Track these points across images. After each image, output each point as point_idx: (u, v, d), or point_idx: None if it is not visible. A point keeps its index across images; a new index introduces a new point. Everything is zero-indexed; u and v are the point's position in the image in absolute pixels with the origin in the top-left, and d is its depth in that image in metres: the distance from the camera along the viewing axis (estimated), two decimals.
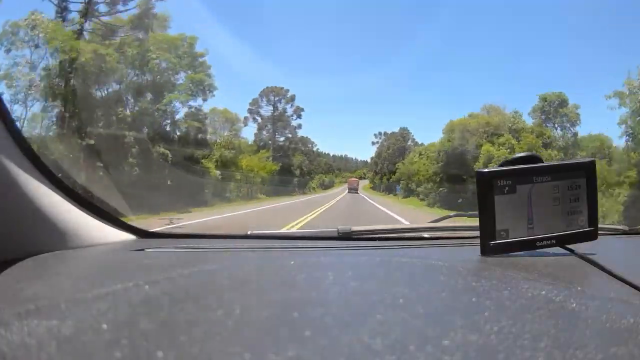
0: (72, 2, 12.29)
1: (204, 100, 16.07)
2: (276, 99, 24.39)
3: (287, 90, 24.33)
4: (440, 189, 18.41)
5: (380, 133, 28.47)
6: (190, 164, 14.23)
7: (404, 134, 27.46)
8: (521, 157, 0.85)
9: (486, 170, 0.81)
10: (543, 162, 0.85)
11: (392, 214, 11.85)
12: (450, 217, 1.51)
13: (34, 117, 11.33)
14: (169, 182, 12.58)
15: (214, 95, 16.22)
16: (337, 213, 12.31)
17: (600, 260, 0.80)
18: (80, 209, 0.94)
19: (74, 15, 12.33)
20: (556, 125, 18.08)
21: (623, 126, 14.23)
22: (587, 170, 0.85)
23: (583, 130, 18.00)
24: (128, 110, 13.45)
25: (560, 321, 0.39)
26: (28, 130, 10.78)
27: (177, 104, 15.16)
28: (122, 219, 1.12)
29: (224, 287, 0.49)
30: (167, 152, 13.23)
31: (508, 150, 16.10)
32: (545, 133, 17.42)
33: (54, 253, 0.84)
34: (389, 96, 34.93)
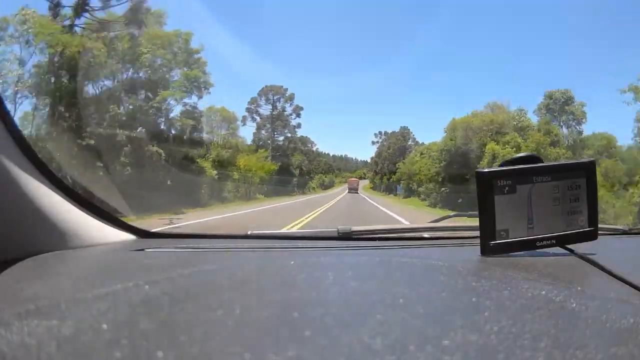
0: None
1: (199, 97, 15.73)
2: (275, 97, 24.10)
3: (286, 89, 24.07)
4: (443, 189, 18.03)
5: (380, 132, 28.31)
6: (185, 163, 13.89)
7: (404, 133, 27.25)
8: (521, 157, 0.85)
9: (486, 170, 0.81)
10: (543, 162, 0.85)
11: (392, 214, 11.75)
12: (450, 217, 1.51)
13: (25, 115, 11.19)
14: (161, 182, 12.14)
15: (209, 93, 15.89)
16: (337, 213, 12.29)
17: (600, 260, 0.80)
18: (80, 209, 0.94)
19: (67, 11, 11.98)
20: (561, 123, 17.73)
21: (637, 124, 14.03)
22: (587, 171, 0.85)
23: (586, 129, 17.72)
24: (121, 108, 12.97)
25: (560, 321, 0.39)
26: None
27: (172, 102, 14.80)
28: (122, 218, 1.12)
29: (224, 287, 0.49)
30: (161, 151, 12.83)
31: (514, 149, 15.70)
32: (553, 131, 17.00)
33: (54, 253, 0.84)
34: (389, 96, 35.00)
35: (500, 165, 0.86)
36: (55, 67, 11.23)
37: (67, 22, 11.83)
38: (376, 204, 17.12)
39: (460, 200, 15.53)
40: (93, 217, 0.98)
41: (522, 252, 0.83)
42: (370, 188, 29.70)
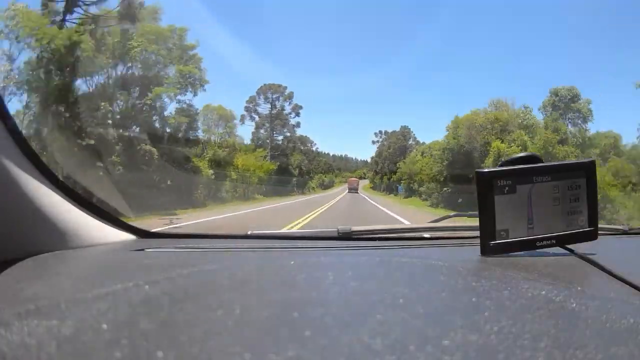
0: None
1: (194, 94, 15.16)
2: (274, 96, 23.84)
3: (285, 88, 23.75)
4: (445, 188, 17.61)
5: (380, 132, 28.14)
6: (179, 163, 13.44)
7: (405, 132, 27.05)
8: (521, 157, 0.85)
9: (486, 170, 0.81)
10: (543, 162, 0.85)
11: (393, 214, 11.65)
12: (450, 217, 1.51)
13: (17, 113, 10.67)
14: (154, 182, 11.67)
15: (204, 90, 15.36)
16: (337, 213, 12.27)
17: (600, 260, 0.80)
18: (80, 209, 0.94)
19: (60, 6, 11.59)
20: (567, 121, 17.17)
21: None
22: (587, 171, 0.85)
23: (591, 128, 17.16)
24: (113, 106, 12.46)
25: (560, 321, 0.39)
26: None
27: (166, 99, 14.20)
28: (122, 218, 1.12)
29: (224, 287, 0.49)
30: (154, 149, 12.30)
31: (519, 147, 15.20)
32: (561, 129, 16.44)
33: (54, 253, 0.84)
34: (389, 96, 35.05)
35: (500, 165, 0.86)
36: (44, 63, 10.83)
37: (59, 18, 11.50)
38: (377, 204, 16.95)
39: (460, 200, 15.32)
40: (93, 217, 0.98)
41: (522, 252, 0.83)
42: (371, 188, 29.65)
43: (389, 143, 27.55)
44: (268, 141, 23.58)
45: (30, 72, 10.98)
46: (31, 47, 11.01)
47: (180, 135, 14.84)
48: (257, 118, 23.76)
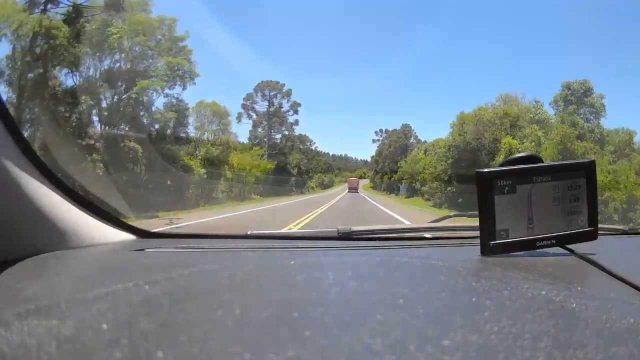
0: None
1: (183, 88, 14.19)
2: (272, 93, 23.20)
3: (283, 85, 23.11)
4: (449, 188, 16.81)
5: (381, 130, 27.73)
6: (168, 161, 12.55)
7: (405, 131, 26.57)
8: (521, 157, 0.85)
9: (486, 170, 0.81)
10: (543, 162, 0.85)
11: (394, 214, 11.50)
12: (450, 217, 1.51)
13: None
14: (140, 182, 10.90)
15: (194, 83, 14.41)
16: (337, 213, 12.24)
17: (600, 260, 0.80)
18: (80, 209, 0.94)
19: None
20: (580, 116, 16.09)
21: None
22: (587, 171, 0.85)
23: (604, 123, 16.16)
24: (95, 100, 11.59)
25: (560, 321, 0.39)
26: None
27: (153, 93, 13.29)
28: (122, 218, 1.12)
29: (224, 287, 0.49)
30: (137, 147, 11.51)
31: (533, 143, 14.46)
32: (578, 123, 15.32)
33: (54, 253, 0.84)
34: (389, 96, 35.05)
35: (500, 165, 0.86)
36: (17, 53, 10.07)
37: (40, 8, 10.62)
38: (378, 205, 16.60)
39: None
40: (93, 217, 0.98)
41: (522, 252, 0.83)
42: (371, 187, 29.57)
43: (390, 141, 27.17)
44: (265, 140, 23.02)
45: (5, 64, 10.34)
46: (8, 38, 10.31)
47: (168, 131, 14.06)
48: (254, 116, 23.19)
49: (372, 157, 29.50)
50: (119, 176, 10.14)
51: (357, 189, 27.61)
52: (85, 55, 11.86)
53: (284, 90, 23.28)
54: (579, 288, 0.63)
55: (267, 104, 23.27)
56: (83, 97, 11.28)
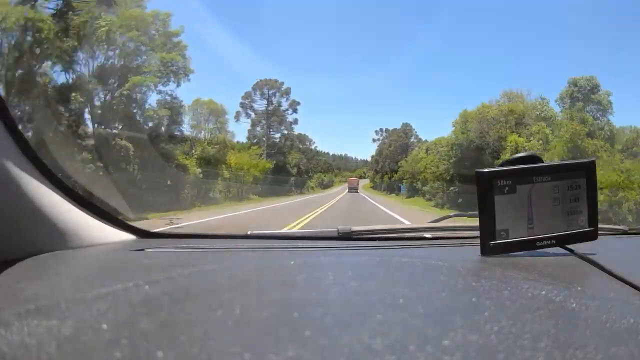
0: None
1: (177, 84, 13.68)
2: (270, 92, 22.70)
3: (282, 83, 22.66)
4: (451, 187, 16.33)
5: (381, 130, 27.26)
6: (162, 160, 12.12)
7: (406, 130, 26.14)
8: (521, 157, 0.85)
9: (486, 170, 0.81)
10: (543, 162, 0.85)
11: (396, 215, 11.30)
12: (450, 217, 1.51)
13: None
14: (132, 182, 10.28)
15: (189, 80, 13.89)
16: (337, 213, 12.22)
17: (600, 260, 0.80)
18: (80, 209, 0.94)
19: None
20: (587, 114, 15.37)
21: None
22: (587, 171, 0.85)
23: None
24: (85, 98, 11.00)
25: (560, 321, 0.39)
26: None
27: (146, 90, 12.73)
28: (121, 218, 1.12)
29: (224, 287, 0.49)
30: (129, 145, 10.98)
31: (540, 141, 14.02)
32: (588, 120, 14.72)
33: (54, 253, 0.84)
34: (389, 96, 35.04)
35: (500, 165, 0.86)
36: (4, 48, 9.54)
37: (31, 3, 10.14)
38: (379, 205, 16.28)
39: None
40: (93, 217, 0.98)
41: (522, 252, 0.83)
42: (371, 187, 29.49)
43: (390, 141, 26.80)
44: (264, 139, 22.56)
45: None
46: None
47: (162, 129, 13.58)
48: (253, 115, 22.69)
49: (372, 157, 29.31)
50: (109, 175, 9.72)
51: (357, 189, 27.53)
52: (74, 50, 11.32)
53: (282, 89, 22.90)
54: (579, 288, 0.62)
55: (265, 102, 22.88)
56: (73, 94, 10.88)
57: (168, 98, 13.74)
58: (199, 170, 13.88)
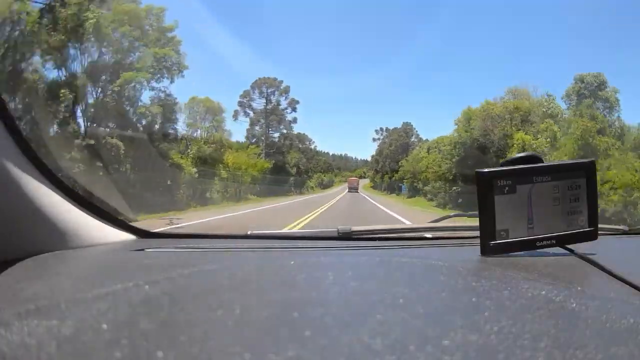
0: None
1: (171, 81, 13.14)
2: (269, 90, 22.08)
3: (281, 82, 22.03)
4: (454, 187, 15.84)
5: (381, 129, 26.65)
6: (155, 160, 11.68)
7: (407, 129, 25.65)
8: (521, 157, 0.85)
9: (486, 170, 0.82)
10: (543, 162, 0.85)
11: (397, 215, 11.21)
12: (450, 217, 1.51)
13: None
14: (124, 182, 9.85)
15: (183, 76, 13.36)
16: (337, 213, 12.19)
17: (600, 260, 0.80)
18: (80, 209, 0.94)
19: None
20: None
21: None
22: (587, 171, 0.85)
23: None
24: (72, 94, 10.44)
25: (560, 321, 0.39)
26: None
27: (139, 87, 12.24)
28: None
29: (224, 287, 0.49)
30: (120, 143, 10.53)
31: (548, 139, 13.52)
32: (598, 117, 13.93)
33: (54, 253, 0.84)
34: (389, 96, 34.93)
35: (501, 165, 0.86)
36: None
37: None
38: (379, 205, 16.05)
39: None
40: (93, 217, 0.98)
41: (522, 252, 0.83)
42: (371, 187, 29.39)
43: (391, 140, 26.38)
44: (263, 138, 22.02)
45: None
46: None
47: (156, 128, 13.06)
48: (251, 114, 22.07)
49: (373, 157, 29.03)
50: (99, 175, 9.22)
51: (357, 189, 27.45)
52: (63, 45, 10.83)
53: (281, 88, 22.33)
54: (579, 288, 0.63)
55: (264, 101, 22.29)
56: (62, 91, 10.41)
57: (162, 95, 13.31)
58: (195, 169, 13.47)
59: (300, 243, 1.09)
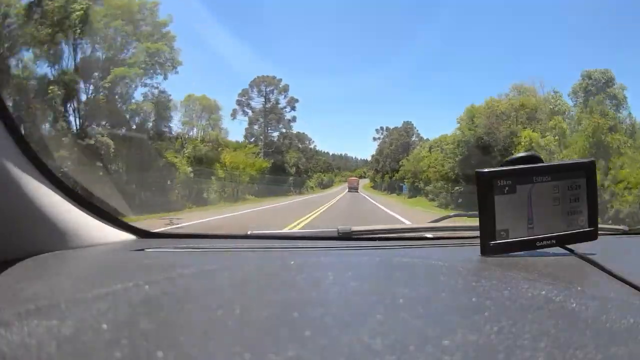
0: None
1: (164, 77, 12.71)
2: (268, 89, 21.71)
3: (280, 80, 21.67)
4: (457, 187, 15.39)
5: (382, 128, 26.30)
6: (146, 158, 11.36)
7: (407, 128, 25.40)
8: (521, 157, 0.86)
9: (486, 170, 0.82)
10: (543, 162, 0.85)
11: (397, 215, 11.05)
12: (450, 217, 1.52)
13: None
14: (116, 183, 9.32)
15: (177, 72, 12.94)
16: (337, 213, 12.17)
17: (600, 260, 0.80)
18: (80, 209, 0.94)
19: None
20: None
21: None
22: (587, 171, 0.85)
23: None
24: (60, 90, 10.10)
25: (560, 321, 0.39)
26: None
27: (131, 83, 11.82)
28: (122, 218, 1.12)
29: (224, 287, 0.50)
30: (110, 142, 10.14)
31: (557, 136, 13.12)
32: (609, 114, 13.42)
33: (54, 253, 0.84)
34: (389, 96, 34.90)
35: (501, 165, 0.86)
36: None
37: None
38: (379, 205, 15.80)
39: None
40: (93, 217, 0.98)
41: (522, 252, 0.83)
42: (371, 187, 29.33)
43: (391, 140, 26.00)
44: (262, 137, 21.64)
45: None
46: None
47: (149, 125, 12.71)
48: (250, 113, 21.66)
49: (373, 156, 28.81)
50: (89, 175, 8.74)
51: (357, 189, 27.38)
52: (51, 38, 10.31)
53: (280, 86, 21.91)
54: (579, 288, 0.62)
55: (263, 100, 21.88)
56: (50, 87, 10.02)
57: (155, 92, 12.85)
58: (190, 169, 13.07)
59: (300, 243, 1.09)
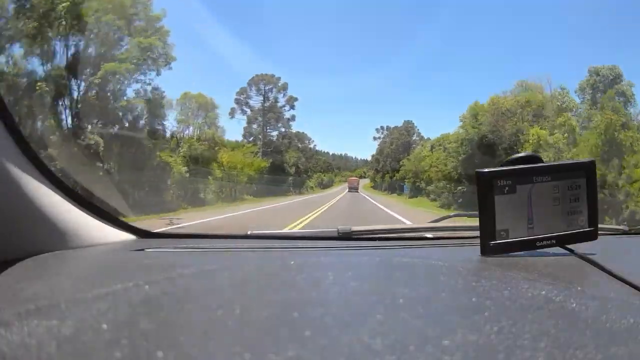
0: None
1: (157, 73, 12.21)
2: (267, 87, 21.32)
3: (279, 78, 21.31)
4: (459, 187, 15.05)
5: (382, 128, 26.29)
6: (139, 157, 10.99)
7: (408, 127, 25.18)
8: (521, 157, 0.86)
9: (486, 170, 0.82)
10: (543, 162, 0.85)
11: (397, 215, 10.97)
12: (450, 217, 1.52)
13: None
14: (109, 183, 9.06)
15: (170, 68, 12.43)
16: (337, 213, 12.17)
17: (600, 260, 0.80)
18: (80, 209, 0.94)
19: None
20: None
21: None
22: (587, 171, 0.85)
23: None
24: (49, 87, 9.69)
25: (560, 321, 0.39)
26: None
27: (122, 79, 11.36)
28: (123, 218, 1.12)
29: (224, 287, 0.50)
30: (100, 140, 9.81)
31: (566, 134, 12.64)
32: (620, 110, 12.90)
33: (54, 253, 0.84)
34: (389, 96, 34.95)
35: (501, 165, 0.86)
36: None
37: None
38: (380, 205, 15.60)
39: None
40: (93, 217, 0.98)
41: (522, 252, 0.83)
42: (371, 187, 29.27)
43: (392, 139, 25.60)
44: (260, 136, 21.29)
45: None
46: None
47: (141, 123, 12.18)
48: (248, 112, 21.29)
49: (373, 156, 28.58)
50: (79, 176, 8.32)
51: (358, 189, 27.32)
52: (37, 32, 9.87)
53: (279, 84, 21.54)
54: (579, 288, 0.62)
55: (262, 98, 21.47)
56: (38, 84, 9.60)
57: (148, 88, 12.27)
58: (185, 168, 12.64)
59: (300, 243, 1.09)
